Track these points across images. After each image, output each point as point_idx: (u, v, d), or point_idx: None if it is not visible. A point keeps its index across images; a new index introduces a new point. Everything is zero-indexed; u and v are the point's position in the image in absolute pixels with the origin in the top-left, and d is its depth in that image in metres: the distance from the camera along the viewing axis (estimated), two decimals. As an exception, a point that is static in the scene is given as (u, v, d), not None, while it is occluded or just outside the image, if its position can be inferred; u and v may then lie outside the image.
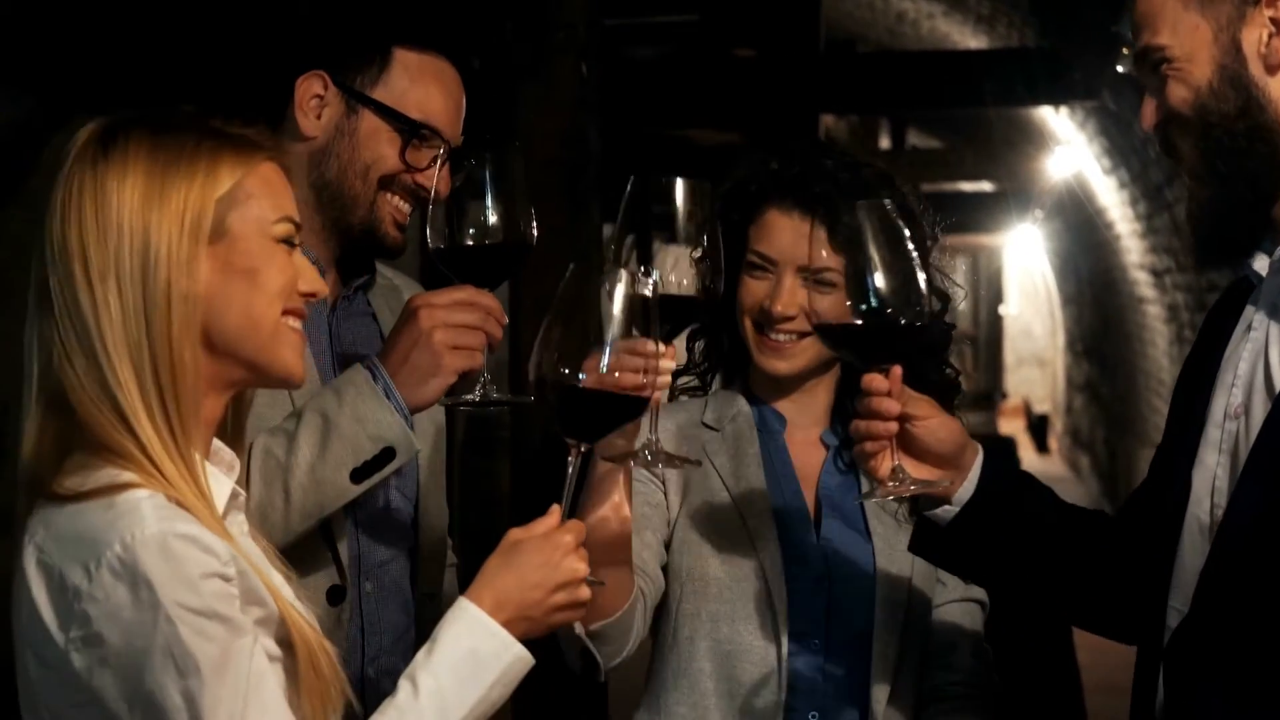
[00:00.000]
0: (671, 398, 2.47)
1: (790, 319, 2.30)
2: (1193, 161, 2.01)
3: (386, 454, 2.11)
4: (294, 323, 1.76)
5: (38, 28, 4.72)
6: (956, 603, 2.42)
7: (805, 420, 2.42)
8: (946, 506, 2.10)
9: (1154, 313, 9.70)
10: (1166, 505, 2.06)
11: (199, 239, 1.68)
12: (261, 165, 1.75)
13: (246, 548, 1.74)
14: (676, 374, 2.45)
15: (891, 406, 2.00)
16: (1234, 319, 2.07)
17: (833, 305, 2.20)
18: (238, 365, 1.73)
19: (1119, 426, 12.99)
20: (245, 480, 1.95)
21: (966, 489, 2.09)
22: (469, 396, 2.15)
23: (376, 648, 2.31)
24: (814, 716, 2.28)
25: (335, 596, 2.24)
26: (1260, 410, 1.97)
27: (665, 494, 2.35)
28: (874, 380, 2.00)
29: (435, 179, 2.16)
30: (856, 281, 1.92)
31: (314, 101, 2.28)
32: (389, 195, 2.30)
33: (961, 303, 2.49)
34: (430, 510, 2.43)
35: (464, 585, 1.84)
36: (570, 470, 1.88)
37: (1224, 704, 1.93)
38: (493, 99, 4.27)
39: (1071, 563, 2.18)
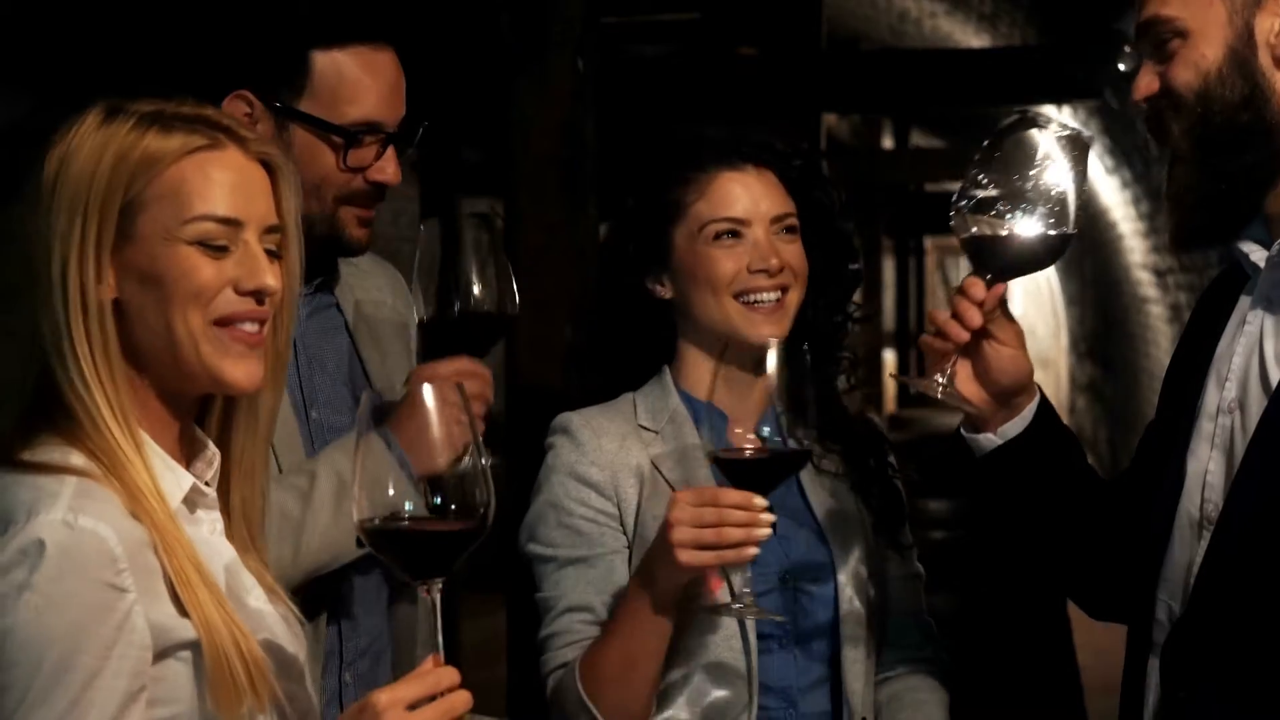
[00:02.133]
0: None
1: (781, 271, 2.24)
2: (1184, 147, 1.97)
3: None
4: (241, 327, 1.66)
5: (37, 27, 4.70)
6: (898, 579, 2.39)
7: (742, 413, 2.23)
8: (989, 436, 2.10)
9: (1156, 313, 9.68)
10: (1156, 496, 2.03)
11: (104, 244, 1.62)
12: (194, 154, 1.65)
13: (215, 547, 1.70)
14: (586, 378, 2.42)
15: (974, 318, 2.00)
16: (1227, 309, 2.04)
17: (797, 253, 2.28)
18: (170, 377, 1.67)
19: (1122, 427, 12.97)
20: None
21: (1014, 427, 2.09)
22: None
23: (354, 652, 2.29)
24: (790, 714, 2.25)
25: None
26: (1256, 405, 1.94)
27: (621, 517, 2.26)
28: (974, 285, 2.01)
29: (387, 173, 2.20)
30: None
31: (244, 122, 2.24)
32: (347, 206, 2.25)
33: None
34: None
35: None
36: (433, 607, 1.69)
37: (1221, 704, 1.91)
38: (489, 94, 4.26)
39: (1073, 533, 2.16)
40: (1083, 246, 14.40)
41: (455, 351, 2.13)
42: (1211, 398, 2.00)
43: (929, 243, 21.30)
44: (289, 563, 2.07)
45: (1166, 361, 2.19)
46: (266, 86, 2.20)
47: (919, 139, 16.98)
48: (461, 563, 1.68)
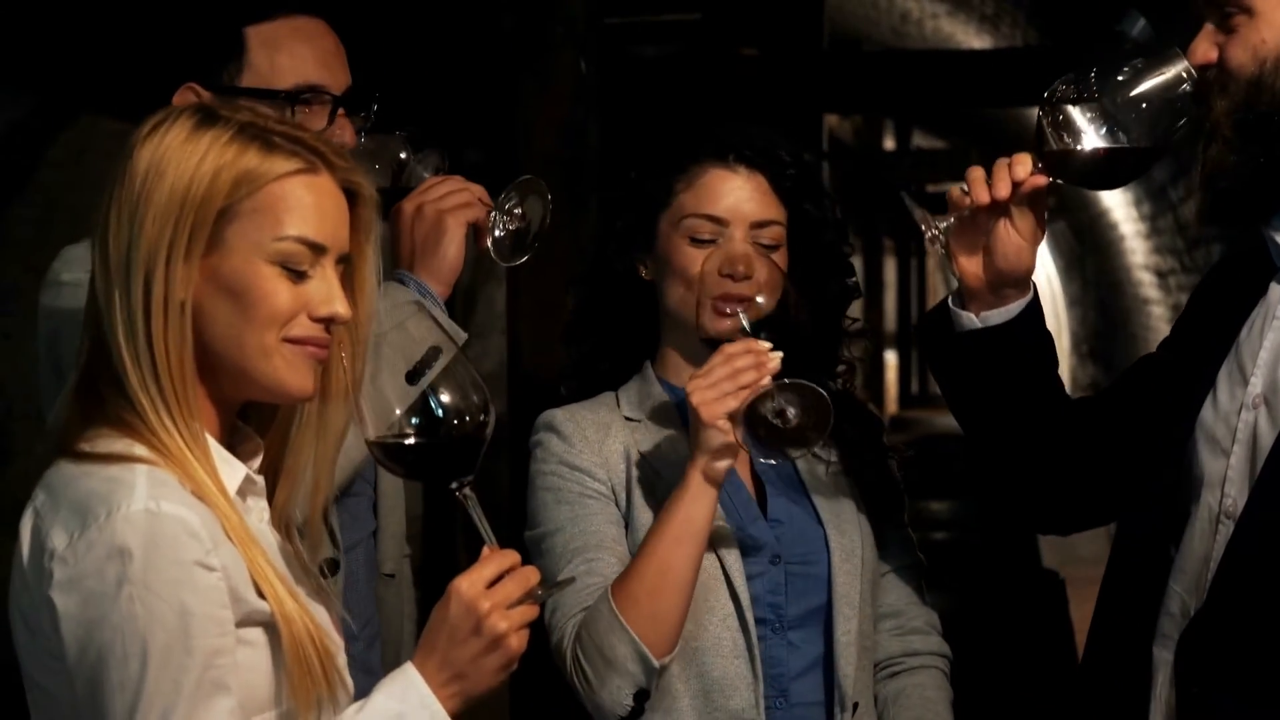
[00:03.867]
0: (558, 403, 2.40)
1: (749, 279, 2.21)
2: (1225, 127, 1.95)
3: (433, 354, 2.15)
4: (302, 347, 1.69)
5: (38, 26, 4.70)
6: (899, 569, 2.39)
7: None
8: (971, 316, 2.11)
9: (1158, 314, 9.68)
10: (1164, 482, 2.03)
11: (195, 249, 1.64)
12: (293, 176, 1.68)
13: (264, 534, 1.73)
14: (564, 379, 2.43)
15: (1003, 188, 2.01)
16: (1249, 294, 2.02)
17: (772, 272, 2.22)
18: (230, 380, 1.70)
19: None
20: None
21: (998, 315, 2.10)
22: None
23: (346, 635, 2.30)
24: (780, 702, 2.24)
25: (332, 568, 2.24)
26: None
27: (615, 498, 2.28)
28: (1023, 160, 2.01)
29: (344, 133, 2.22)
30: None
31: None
32: None
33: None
34: (387, 492, 2.43)
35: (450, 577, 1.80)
36: (472, 509, 1.79)
37: (1237, 702, 1.90)
38: (492, 94, 4.26)
39: (1025, 437, 2.16)
40: (1084, 247, 14.39)
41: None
42: (1235, 388, 1.99)
43: (931, 244, 21.30)
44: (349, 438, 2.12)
45: (1168, 362, 2.19)
46: (209, 73, 2.25)
47: (921, 140, 16.97)
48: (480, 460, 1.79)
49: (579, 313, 2.42)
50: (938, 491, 6.63)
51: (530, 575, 1.73)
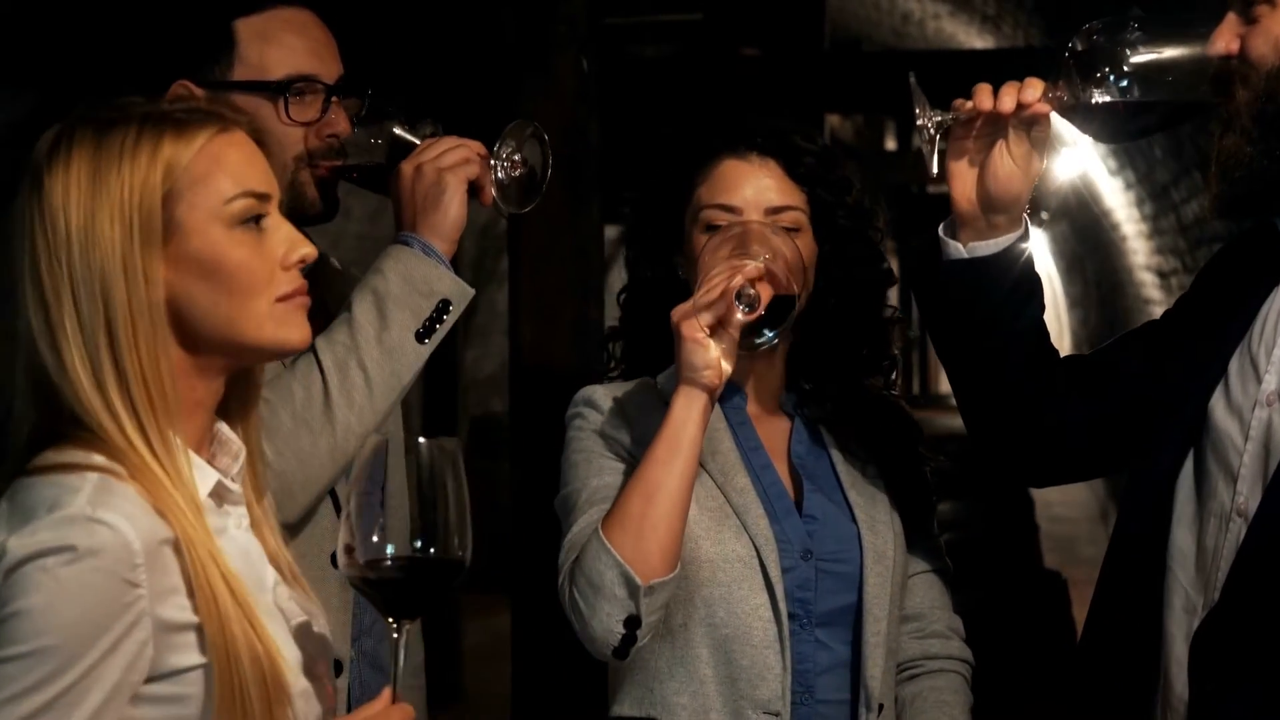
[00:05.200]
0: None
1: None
2: (1243, 118, 1.93)
3: (443, 307, 2.18)
4: (290, 301, 1.69)
5: (38, 25, 4.70)
6: (926, 574, 2.39)
7: (763, 387, 2.33)
8: (958, 246, 2.11)
9: (1160, 314, 9.66)
10: (1170, 477, 2.01)
11: (150, 242, 1.62)
12: (213, 139, 1.66)
13: (241, 543, 1.70)
14: (608, 353, 2.42)
15: (1007, 103, 2.02)
16: (1260, 286, 2.01)
17: (791, 252, 2.19)
18: (225, 355, 1.69)
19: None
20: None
21: (985, 248, 2.09)
22: None
23: (358, 629, 2.30)
24: (805, 698, 2.24)
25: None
26: None
27: None
28: (1034, 83, 2.01)
29: (338, 124, 2.24)
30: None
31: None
32: (306, 169, 2.28)
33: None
34: (394, 493, 2.42)
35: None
36: (399, 645, 1.71)
37: (1252, 699, 1.89)
38: (493, 94, 4.25)
39: (1004, 379, 2.16)
40: (1085, 248, 14.38)
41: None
42: (1248, 384, 1.97)
43: (932, 244, 21.30)
44: (364, 387, 2.12)
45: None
46: (200, 70, 2.25)
47: (922, 140, 16.95)
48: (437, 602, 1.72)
49: (621, 317, 2.43)
50: (939, 492, 6.64)
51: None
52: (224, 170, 1.66)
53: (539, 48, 3.89)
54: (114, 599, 1.56)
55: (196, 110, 1.69)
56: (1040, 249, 19.52)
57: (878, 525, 2.29)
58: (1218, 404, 2.00)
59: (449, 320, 2.19)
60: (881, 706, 2.26)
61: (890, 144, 15.97)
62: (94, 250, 1.61)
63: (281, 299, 1.68)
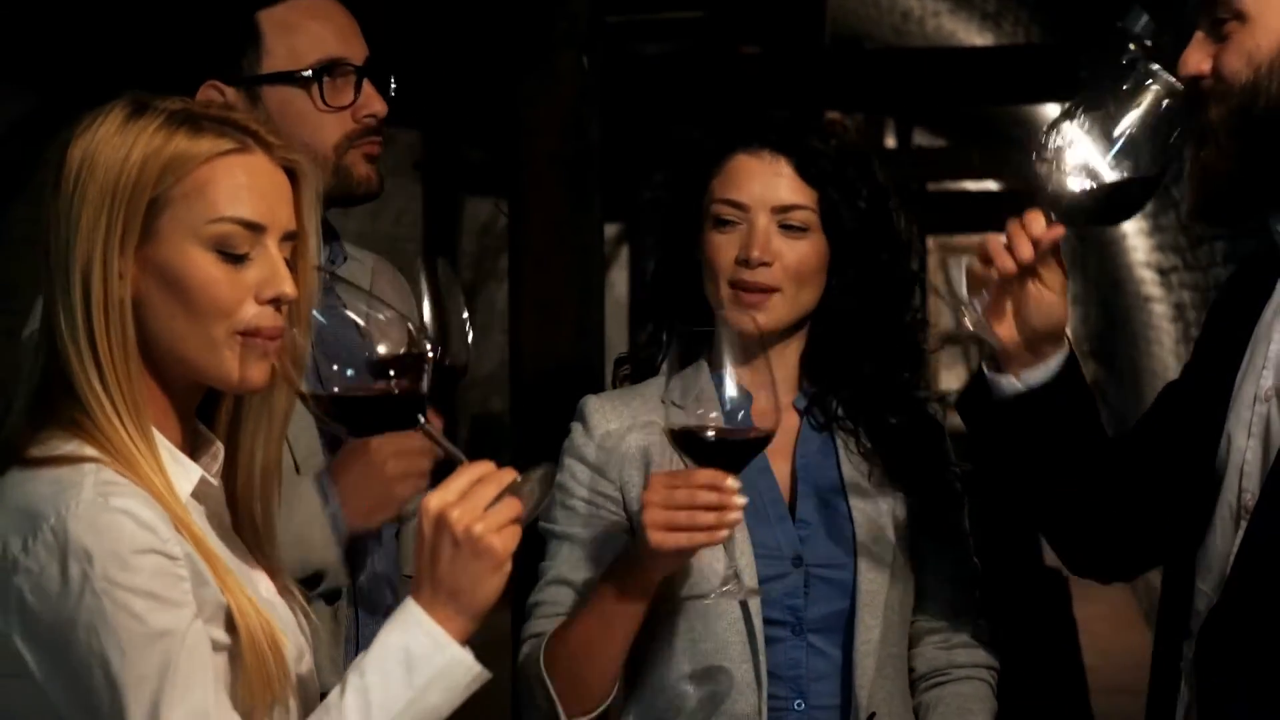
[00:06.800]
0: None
1: (767, 265, 2.21)
2: (1219, 134, 1.93)
3: (316, 578, 2.16)
4: (252, 339, 1.66)
5: (39, 25, 4.70)
6: (951, 580, 2.37)
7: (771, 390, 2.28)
8: (1012, 381, 2.05)
9: (1160, 311, 9.67)
10: (1191, 482, 2.01)
11: (128, 241, 1.62)
12: (223, 156, 1.65)
13: (215, 537, 1.70)
14: (619, 362, 2.41)
15: (1026, 251, 1.97)
16: (1262, 290, 2.00)
17: (802, 258, 2.20)
18: (180, 371, 1.68)
19: (1125, 425, 12.94)
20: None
21: (1038, 375, 2.04)
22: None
23: (369, 638, 2.30)
24: (799, 705, 2.23)
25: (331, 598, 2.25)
26: None
27: (624, 500, 2.26)
28: (1036, 219, 1.96)
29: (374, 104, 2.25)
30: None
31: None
32: (350, 150, 2.28)
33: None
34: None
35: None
36: (438, 434, 1.79)
37: (1254, 695, 1.89)
38: (493, 92, 4.25)
39: (1076, 491, 2.12)
40: (1085, 246, 14.38)
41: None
42: (1249, 383, 1.97)
43: (932, 242, 21.24)
44: None
45: (1169, 360, 2.19)
46: (229, 67, 2.25)
47: (922, 138, 16.96)
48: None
49: (648, 298, 2.43)
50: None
51: (504, 476, 1.69)
52: (219, 190, 1.64)
53: (540, 45, 3.88)
54: (162, 570, 1.57)
55: (228, 123, 1.68)
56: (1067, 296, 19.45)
57: (879, 530, 2.28)
58: (1230, 409, 2.00)
59: (317, 591, 2.17)
60: (873, 715, 2.24)
61: (890, 142, 15.97)
62: (82, 242, 1.62)
63: (246, 333, 1.66)
